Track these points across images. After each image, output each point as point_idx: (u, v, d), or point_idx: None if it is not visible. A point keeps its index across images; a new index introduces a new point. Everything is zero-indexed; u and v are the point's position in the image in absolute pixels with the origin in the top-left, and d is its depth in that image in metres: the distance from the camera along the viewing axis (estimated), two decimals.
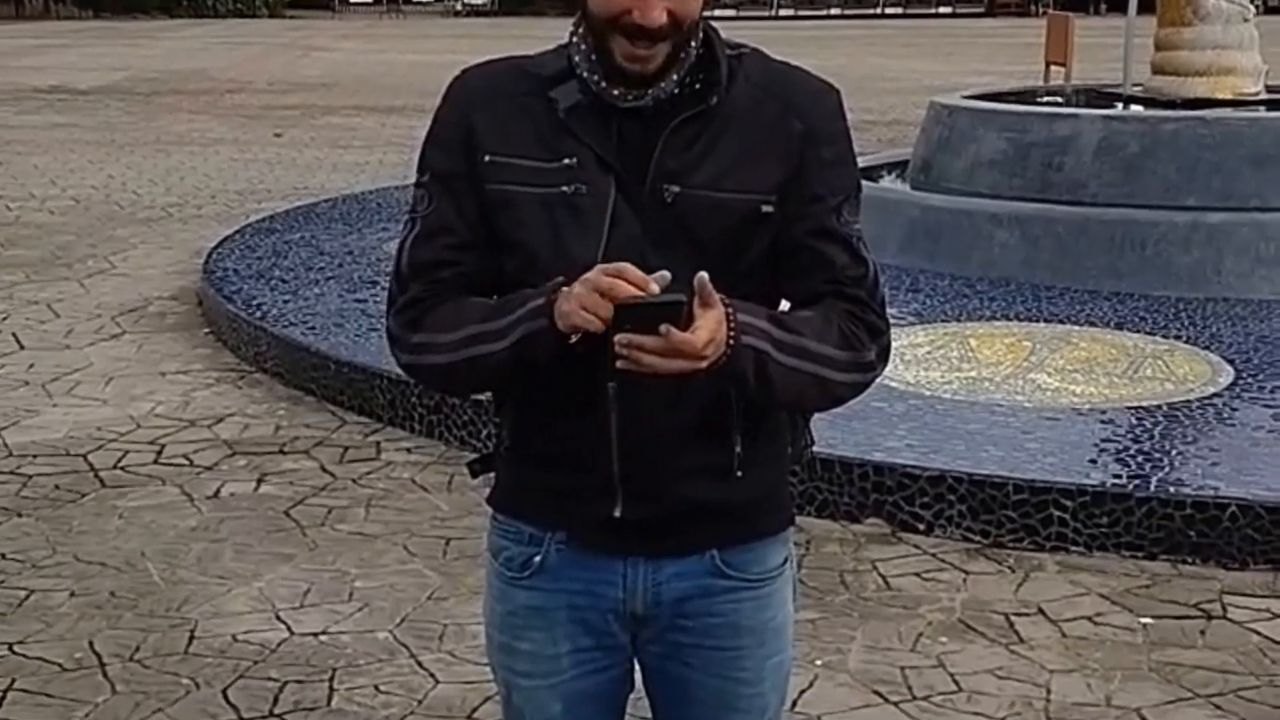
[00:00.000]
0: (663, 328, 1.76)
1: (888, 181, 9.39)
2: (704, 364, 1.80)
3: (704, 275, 1.80)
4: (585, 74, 1.95)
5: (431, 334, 2.01)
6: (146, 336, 7.32)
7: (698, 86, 1.97)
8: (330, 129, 17.20)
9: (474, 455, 2.23)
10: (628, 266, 1.80)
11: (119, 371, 6.67)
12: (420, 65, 26.48)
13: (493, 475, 2.13)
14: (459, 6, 69.86)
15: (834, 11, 62.23)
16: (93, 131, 16.82)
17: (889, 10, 62.92)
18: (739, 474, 2.01)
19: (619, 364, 1.80)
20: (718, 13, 56.84)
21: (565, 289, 1.85)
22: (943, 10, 62.91)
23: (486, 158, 1.97)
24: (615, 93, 1.94)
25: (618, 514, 1.98)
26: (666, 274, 1.81)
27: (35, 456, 5.51)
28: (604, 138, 1.94)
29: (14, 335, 7.31)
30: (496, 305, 1.97)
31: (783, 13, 61.62)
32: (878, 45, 36.86)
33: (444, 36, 41.30)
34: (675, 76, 1.95)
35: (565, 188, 1.94)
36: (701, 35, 1.99)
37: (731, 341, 1.84)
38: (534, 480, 2.06)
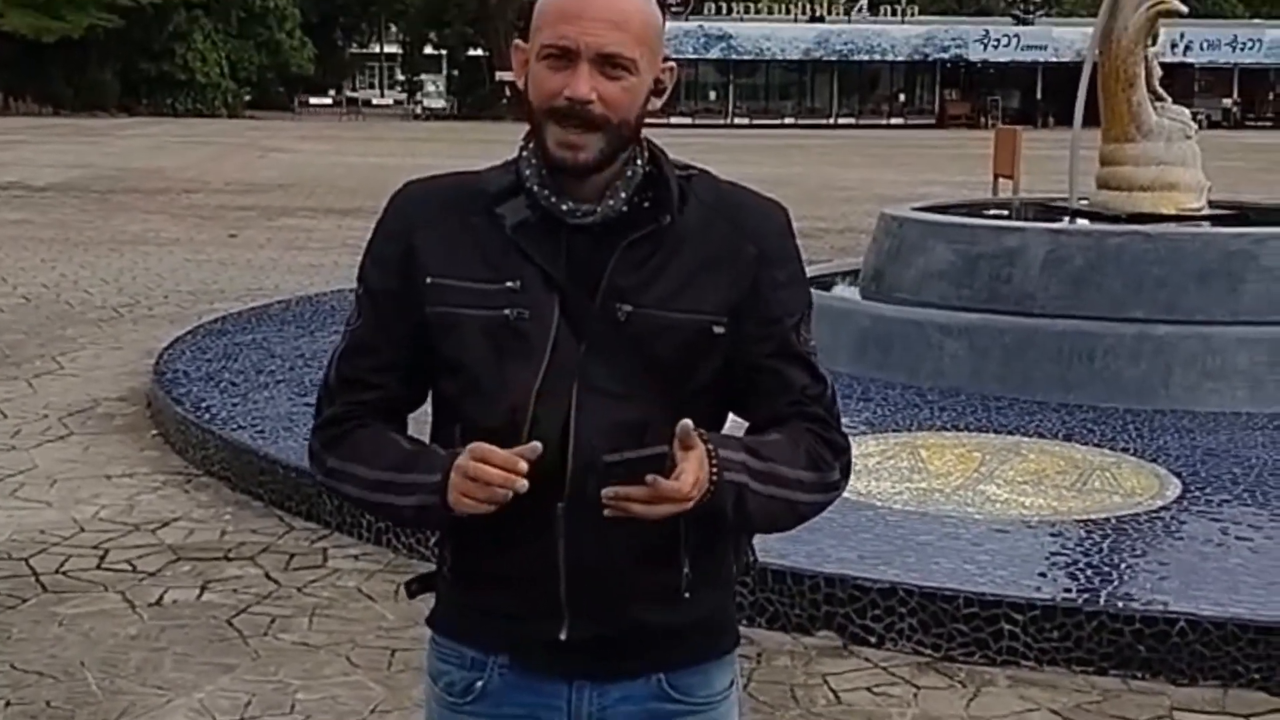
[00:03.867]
0: (649, 478, 1.78)
1: (840, 289, 9.46)
2: (689, 505, 1.82)
3: (688, 422, 1.83)
4: (535, 187, 1.96)
5: (346, 462, 2.02)
6: (94, 438, 7.24)
7: (647, 205, 1.98)
8: (286, 230, 17.22)
9: (418, 571, 2.22)
10: (491, 450, 1.83)
11: (64, 474, 6.59)
12: (379, 168, 26.61)
13: (432, 594, 2.11)
14: (419, 110, 70.53)
15: (788, 121, 63.14)
16: (47, 229, 16.78)
17: (842, 120, 63.90)
18: (687, 595, 2.00)
19: (606, 513, 1.81)
20: (674, 120, 57.54)
21: (458, 460, 1.87)
22: (895, 121, 64.02)
23: (428, 279, 1.98)
24: (564, 208, 1.95)
25: (564, 636, 1.96)
26: (538, 445, 1.84)
27: None
28: (552, 254, 1.95)
29: None
30: (408, 455, 1.98)
31: (738, 121, 62.45)
32: (831, 155, 37.36)
33: (403, 139, 41.59)
34: (624, 194, 1.96)
35: (507, 311, 1.94)
36: (648, 154, 2.01)
37: (714, 479, 1.86)
38: (477, 602, 2.03)
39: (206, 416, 6.89)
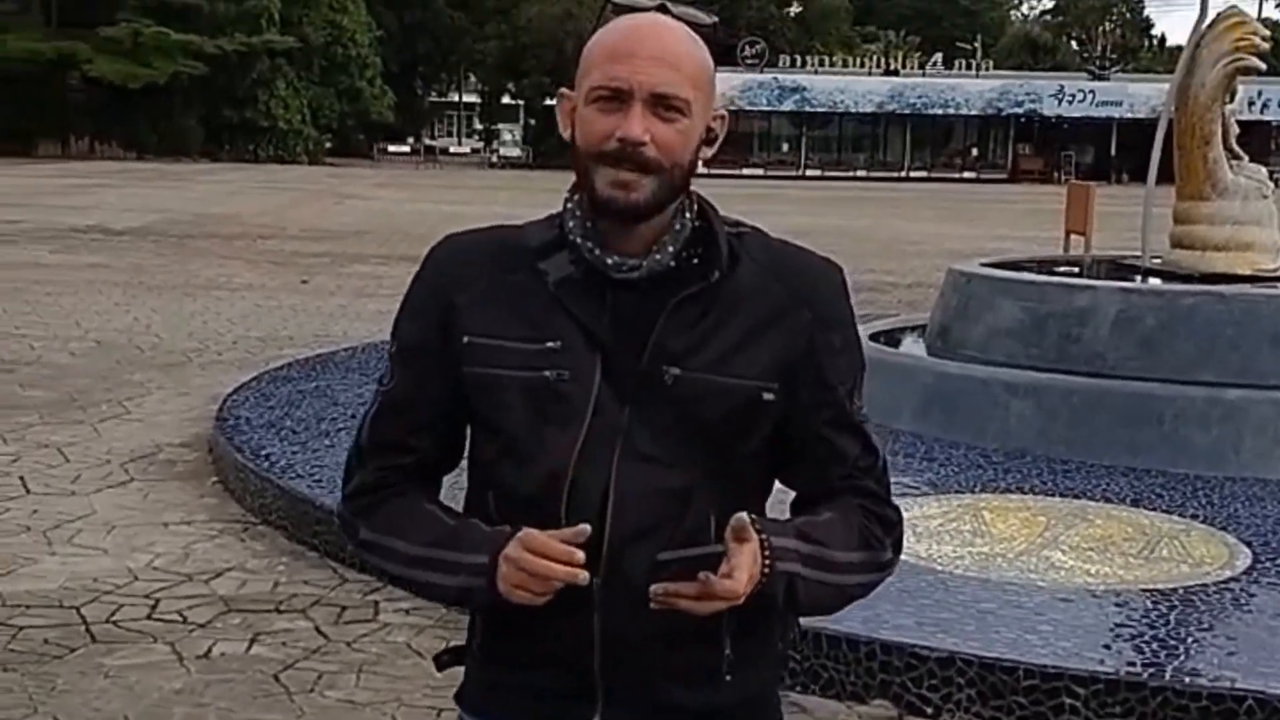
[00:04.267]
0: (702, 575, 1.73)
1: (908, 344, 9.36)
2: (740, 601, 1.77)
3: (744, 516, 1.78)
4: (579, 239, 1.89)
5: (381, 535, 1.95)
6: (153, 484, 7.26)
7: (696, 261, 1.91)
8: (357, 277, 17.33)
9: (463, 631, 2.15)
10: (548, 543, 1.77)
11: (122, 520, 6.60)
12: (454, 216, 26.71)
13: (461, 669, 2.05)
14: (495, 158, 71.20)
15: (860, 174, 63.02)
16: (123, 273, 16.99)
17: (914, 174, 63.69)
18: (728, 677, 1.92)
19: (652, 605, 1.76)
20: (746, 171, 57.64)
21: (508, 550, 1.80)
22: (967, 175, 63.68)
23: (466, 339, 1.91)
24: (609, 261, 1.88)
25: (597, 718, 1.90)
26: (586, 528, 1.77)
27: (28, 607, 5.42)
28: (596, 312, 1.88)
29: (21, 479, 7.27)
30: (449, 531, 1.91)
31: (810, 173, 62.42)
32: (902, 208, 37.20)
33: (478, 187, 41.90)
34: (672, 249, 1.89)
35: (548, 372, 1.87)
36: (697, 208, 1.94)
37: (767, 570, 1.80)
38: (508, 679, 1.96)
39: (265, 464, 6.89)
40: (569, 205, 1.94)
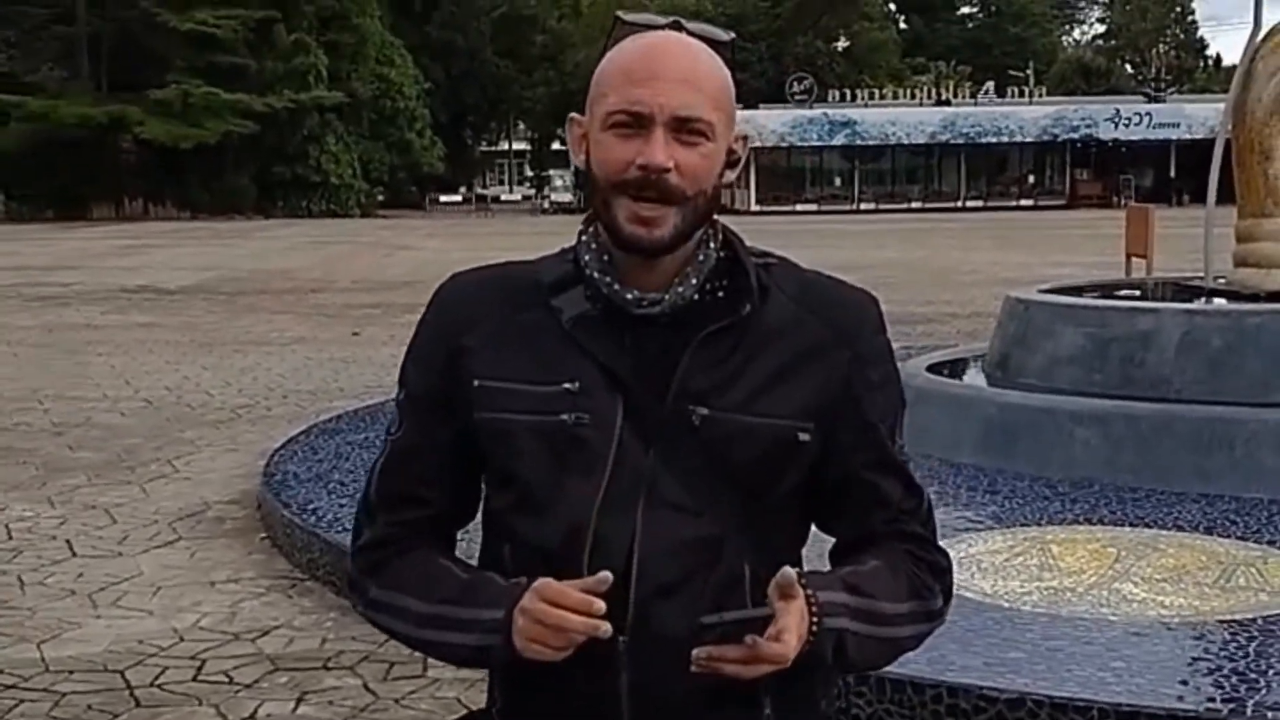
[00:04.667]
0: (749, 638, 1.59)
1: (968, 374, 9.16)
2: (789, 663, 1.63)
3: (790, 571, 1.64)
4: (595, 274, 1.75)
5: (391, 593, 1.80)
6: (201, 543, 7.17)
7: (720, 295, 1.76)
8: (408, 327, 16.94)
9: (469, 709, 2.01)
10: (564, 592, 1.63)
11: (168, 580, 6.50)
12: None
13: None
14: (546, 204, 71.50)
15: (915, 205, 62.81)
16: (174, 331, 17.04)
17: (970, 203, 63.41)
18: None
19: (694, 669, 1.62)
20: (799, 207, 57.56)
21: (523, 602, 1.66)
22: (1024, 203, 63.34)
23: (476, 383, 1.77)
24: (629, 296, 1.73)
25: None
26: (608, 575, 1.62)
27: (72, 673, 5.31)
28: (615, 351, 1.73)
29: (68, 542, 7.19)
30: (464, 586, 1.76)
31: (864, 207, 62.26)
32: (959, 238, 36.96)
33: (530, 234, 41.99)
34: (695, 281, 1.74)
35: (565, 416, 1.73)
36: (722, 238, 1.79)
37: (815, 629, 1.66)
38: None
39: (312, 519, 6.78)
40: (584, 238, 1.80)
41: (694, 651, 1.60)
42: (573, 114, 1.82)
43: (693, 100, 1.70)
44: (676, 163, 1.69)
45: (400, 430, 1.86)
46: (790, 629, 1.61)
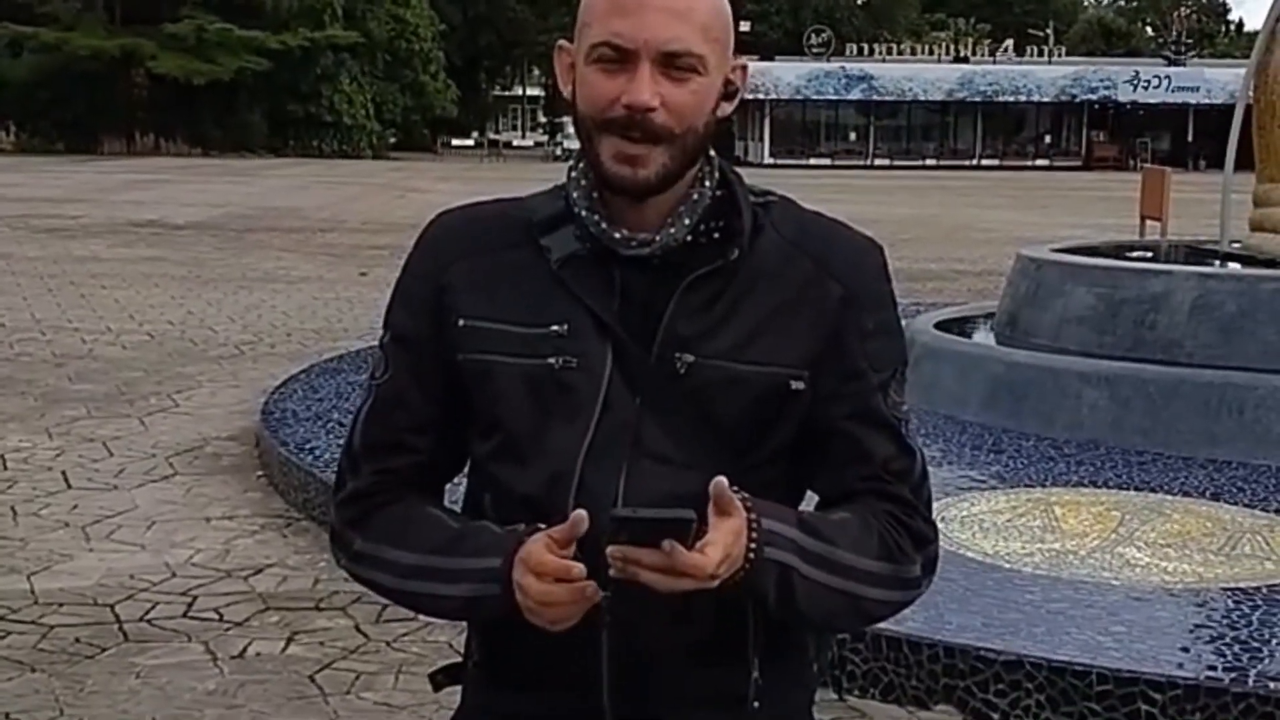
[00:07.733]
0: (666, 544, 1.45)
1: (977, 333, 9.08)
2: (715, 584, 1.50)
3: (723, 481, 1.51)
4: (584, 212, 1.65)
5: (376, 544, 1.71)
6: (198, 479, 7.11)
7: (715, 235, 1.66)
8: None
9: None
10: (545, 560, 1.55)
11: (163, 515, 6.45)
12: None
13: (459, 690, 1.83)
14: (558, 151, 71.06)
15: (930, 162, 62.47)
16: (180, 266, 16.95)
17: (985, 162, 63.06)
18: (755, 704, 1.67)
19: (611, 572, 1.49)
20: (813, 161, 57.26)
21: (524, 549, 1.56)
22: (1039, 163, 62.99)
23: (460, 322, 1.68)
24: (617, 236, 1.64)
25: None
26: (582, 514, 1.53)
27: (61, 605, 5.26)
28: (604, 294, 1.64)
29: (63, 474, 7.14)
30: (453, 535, 1.67)
31: (878, 162, 61.93)
32: (973, 196, 36.77)
33: (541, 180, 41.46)
34: (688, 221, 1.64)
35: (552, 360, 1.63)
36: (719, 176, 1.69)
37: (752, 555, 1.54)
38: (506, 706, 1.74)
39: (309, 458, 6.72)
40: (573, 174, 1.71)
41: (608, 549, 1.49)
42: (561, 41, 1.72)
43: (681, 32, 1.59)
44: (664, 100, 1.59)
45: (386, 374, 1.76)
46: (717, 544, 1.49)
